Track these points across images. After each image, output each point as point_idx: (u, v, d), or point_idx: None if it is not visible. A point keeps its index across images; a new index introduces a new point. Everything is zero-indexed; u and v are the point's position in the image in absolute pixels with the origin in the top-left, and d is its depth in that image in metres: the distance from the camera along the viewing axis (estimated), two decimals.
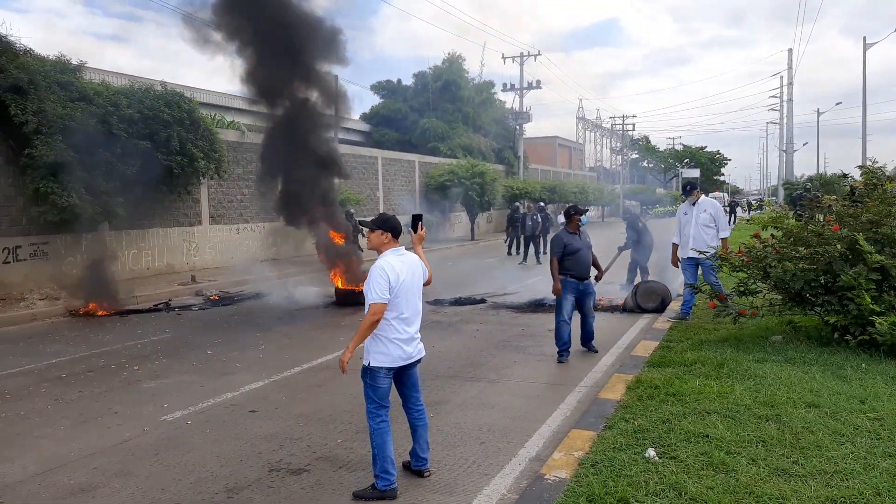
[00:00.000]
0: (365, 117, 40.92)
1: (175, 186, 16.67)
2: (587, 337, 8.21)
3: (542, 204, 23.73)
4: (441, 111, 39.31)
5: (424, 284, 4.67)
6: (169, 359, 8.60)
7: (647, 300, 10.78)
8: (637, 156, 78.56)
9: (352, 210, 19.74)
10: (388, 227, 4.46)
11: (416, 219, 4.86)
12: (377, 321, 4.25)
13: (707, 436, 4.77)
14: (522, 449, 5.12)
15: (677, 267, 10.06)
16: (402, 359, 4.43)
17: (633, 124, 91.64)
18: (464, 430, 5.56)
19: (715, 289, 8.84)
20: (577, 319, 8.08)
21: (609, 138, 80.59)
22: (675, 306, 10.34)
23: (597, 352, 8.14)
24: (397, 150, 33.32)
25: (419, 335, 4.58)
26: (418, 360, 4.62)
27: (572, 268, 7.83)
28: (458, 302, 12.43)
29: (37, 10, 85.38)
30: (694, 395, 5.71)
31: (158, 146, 15.13)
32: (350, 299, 12.53)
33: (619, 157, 75.91)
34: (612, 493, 3.96)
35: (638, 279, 12.56)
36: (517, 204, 30.79)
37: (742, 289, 7.99)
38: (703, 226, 9.56)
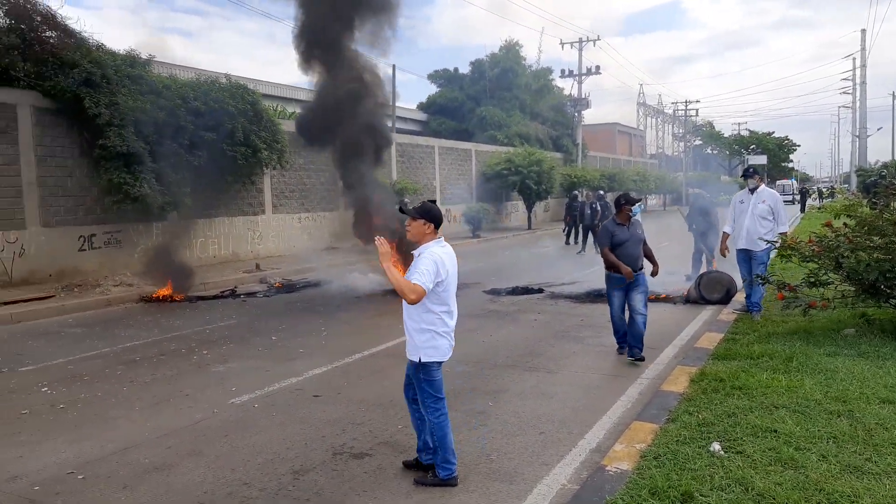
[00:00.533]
0: (422, 106, 41.08)
1: (239, 176, 17.19)
2: (634, 340, 7.28)
3: (601, 192, 23.37)
4: (498, 99, 39.09)
5: None
6: (236, 344, 8.90)
7: (712, 291, 10.52)
8: (700, 142, 76.35)
9: (407, 200, 19.89)
10: (430, 216, 4.29)
11: (402, 209, 4.86)
12: (414, 301, 4.09)
13: (775, 431, 4.65)
14: (583, 440, 5.10)
15: (724, 256, 9.55)
16: (450, 351, 4.41)
17: (696, 110, 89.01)
18: (523, 420, 5.57)
19: (751, 296, 8.68)
20: None
21: (671, 124, 78.61)
22: (740, 297, 10.05)
23: (642, 360, 7.20)
24: (454, 138, 33.35)
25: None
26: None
27: (619, 260, 7.37)
28: (515, 291, 12.41)
29: (108, 5, 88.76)
30: (761, 388, 5.56)
31: (223, 137, 15.59)
32: None
33: (682, 144, 73.96)
34: (676, 486, 3.90)
35: (704, 269, 12.26)
36: (575, 192, 30.43)
37: (812, 280, 7.70)
38: (759, 217, 8.76)
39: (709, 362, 6.59)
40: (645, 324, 7.32)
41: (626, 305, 7.46)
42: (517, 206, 33.95)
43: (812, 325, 7.89)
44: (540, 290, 12.44)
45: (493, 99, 39.08)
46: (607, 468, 4.32)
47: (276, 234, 20.11)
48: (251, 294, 13.35)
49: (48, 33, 13.48)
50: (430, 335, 4.29)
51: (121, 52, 14.79)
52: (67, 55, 13.40)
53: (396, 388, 6.54)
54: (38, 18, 13.42)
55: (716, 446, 4.41)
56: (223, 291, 13.64)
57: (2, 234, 13.09)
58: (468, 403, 6.02)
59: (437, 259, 4.16)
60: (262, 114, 16.89)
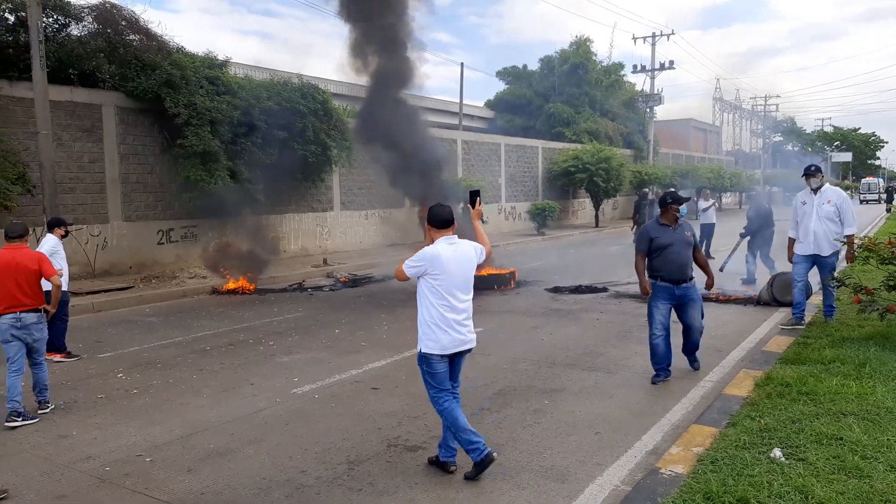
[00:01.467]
0: (489, 104, 40.99)
1: (309, 174, 17.63)
2: (689, 350, 6.76)
3: (672, 190, 22.76)
4: (567, 95, 38.58)
5: (481, 265, 4.69)
6: (301, 336, 9.15)
7: (784, 293, 10.10)
8: (780, 138, 73.23)
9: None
10: (428, 218, 4.58)
11: (474, 195, 4.89)
12: (399, 278, 4.57)
13: (841, 438, 4.45)
14: (639, 441, 5.01)
15: (792, 263, 8.83)
16: (453, 345, 4.46)
17: (777, 105, 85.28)
18: (578, 419, 5.51)
19: (798, 304, 8.23)
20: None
21: (749, 120, 75.72)
22: (815, 300, 9.61)
23: (698, 368, 6.75)
24: (521, 136, 33.17)
25: (470, 323, 4.58)
26: (468, 350, 4.61)
27: (661, 268, 6.44)
28: (578, 290, 12.27)
29: (188, 9, 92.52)
30: (829, 395, 5.32)
31: (294, 136, 16.03)
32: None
33: (760, 140, 71.13)
34: (731, 491, 3.79)
35: (758, 269, 11.80)
36: (646, 190, 29.68)
37: (892, 283, 7.30)
38: (825, 219, 8.15)
39: (776, 366, 6.34)
40: (701, 333, 6.66)
41: (682, 324, 6.60)
42: (584, 204, 33.48)
43: (890, 329, 7.47)
44: (604, 289, 12.25)
45: (562, 96, 38.61)
46: (661, 471, 4.23)
47: (343, 230, 20.54)
48: (318, 288, 13.69)
49: (132, 37, 14.17)
50: (431, 328, 4.44)
51: (199, 53, 15.41)
52: (149, 57, 14.07)
53: None
54: (123, 23, 14.13)
55: (777, 453, 4.25)
56: (291, 285, 14.04)
57: (86, 228, 13.88)
58: (524, 401, 6.01)
59: (429, 254, 4.42)
60: (331, 113, 17.27)
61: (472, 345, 4.61)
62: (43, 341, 6.21)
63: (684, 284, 6.42)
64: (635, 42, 40.74)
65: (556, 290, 12.38)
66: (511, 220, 28.77)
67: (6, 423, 5.73)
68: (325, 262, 16.95)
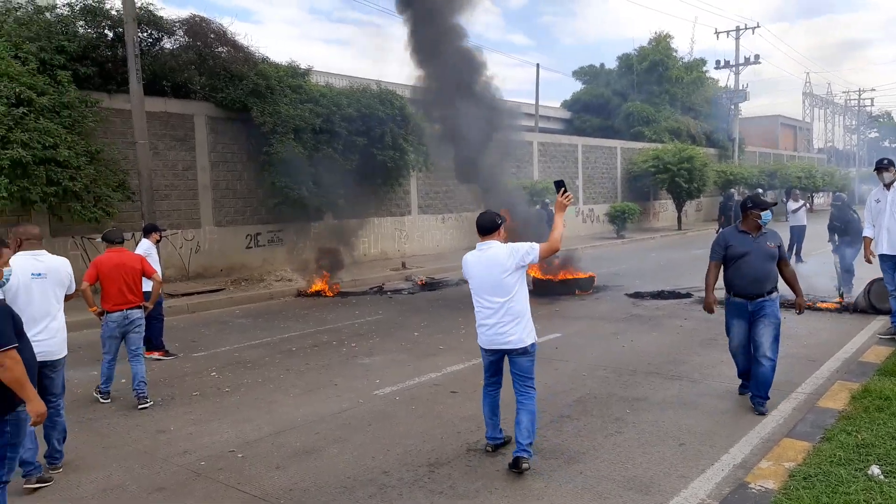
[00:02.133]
0: (566, 104, 40.53)
1: (388, 179, 17.97)
2: (757, 386, 5.76)
3: (759, 190, 21.85)
4: (646, 94, 37.69)
5: (546, 255, 4.72)
6: (381, 338, 9.35)
7: (882, 300, 9.52)
8: (877, 134, 68.99)
9: (547, 200, 19.75)
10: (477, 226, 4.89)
11: (559, 185, 4.92)
12: None
13: None
14: (726, 454, 4.86)
15: (870, 263, 8.34)
16: (488, 342, 4.79)
17: (872, 99, 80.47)
18: (662, 430, 5.40)
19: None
20: None
21: (842, 115, 71.74)
22: None
23: (764, 413, 5.65)
24: (599, 136, 32.65)
25: (502, 325, 4.68)
26: (515, 350, 4.72)
27: (733, 280, 5.83)
28: (660, 295, 11.97)
29: (270, 20, 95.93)
30: None
31: (374, 141, 16.37)
32: (547, 289, 12.63)
33: (855, 137, 67.27)
34: None
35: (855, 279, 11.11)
36: (731, 191, 28.60)
37: None
38: None
39: (874, 378, 6.02)
40: (773, 369, 5.72)
41: (753, 344, 5.84)
42: (666, 206, 32.60)
43: None
44: (688, 295, 11.90)
45: (641, 94, 37.74)
46: (751, 486, 4.10)
47: (421, 233, 20.79)
48: (397, 291, 13.92)
49: (220, 49, 14.84)
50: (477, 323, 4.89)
51: (283, 63, 15.97)
52: (237, 68, 14.70)
53: None
54: (212, 35, 14.82)
55: (875, 470, 4.04)
56: (371, 288, 14.34)
57: (181, 233, 14.63)
58: (605, 409, 5.94)
59: (463, 260, 4.90)
60: (409, 118, 17.54)
61: (510, 346, 4.72)
62: (141, 335, 6.81)
63: (759, 299, 5.72)
64: (718, 37, 39.13)
65: (637, 295, 12.13)
66: (589, 222, 28.35)
67: (102, 400, 6.66)
68: (403, 265, 17.22)
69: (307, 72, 16.35)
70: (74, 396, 6.78)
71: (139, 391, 6.56)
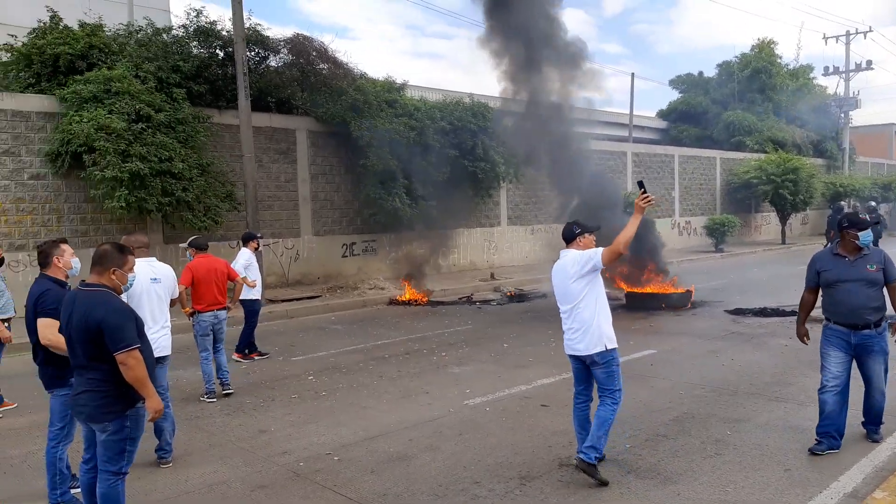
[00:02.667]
0: (662, 114, 39.45)
1: (479, 190, 18.10)
2: (869, 414, 5.39)
3: (872, 203, 20.51)
4: (748, 102, 36.13)
5: (609, 260, 4.62)
6: (471, 348, 9.41)
7: None
8: None
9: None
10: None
11: (640, 185, 4.83)
12: None
13: None
14: (836, 482, 4.59)
15: None
16: (565, 348, 4.92)
17: None
18: (766, 453, 5.16)
19: None
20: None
21: None
22: None
23: (878, 441, 5.31)
24: (697, 146, 31.57)
25: (573, 332, 4.81)
26: (585, 358, 4.79)
27: (830, 308, 5.25)
28: (763, 313, 11.41)
29: (367, 36, 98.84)
30: None
31: (465, 153, 16.56)
32: (640, 303, 12.32)
33: None
34: None
35: None
36: (841, 203, 27.00)
37: None
38: None
39: None
40: (885, 397, 5.28)
41: (863, 377, 5.29)
42: (769, 219, 31.08)
43: None
44: (793, 313, 11.22)
45: (743, 102, 36.22)
46: None
47: (510, 244, 20.77)
48: (486, 302, 13.96)
49: (321, 66, 15.44)
50: None
51: (380, 79, 16.43)
52: (336, 84, 15.25)
53: (624, 405, 6.40)
54: (314, 53, 15.44)
55: None
56: (461, 298, 14.45)
57: (281, 241, 15.27)
58: (704, 430, 5.73)
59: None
60: (500, 130, 17.59)
61: (580, 353, 4.80)
62: (224, 332, 7.46)
63: (864, 330, 5.07)
64: (826, 42, 37.45)
65: (738, 311, 11.63)
66: (685, 235, 27.42)
67: (207, 400, 7.03)
68: (492, 276, 17.26)
69: (403, 86, 16.75)
70: (183, 395, 7.20)
71: (223, 379, 7.22)
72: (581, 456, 4.63)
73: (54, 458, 4.57)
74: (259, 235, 9.77)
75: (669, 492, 4.52)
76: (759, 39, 38.09)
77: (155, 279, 5.40)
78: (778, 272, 18.01)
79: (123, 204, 11.28)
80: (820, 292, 5.43)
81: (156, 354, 5.02)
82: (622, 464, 5.04)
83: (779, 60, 37.76)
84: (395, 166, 14.97)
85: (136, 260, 5.29)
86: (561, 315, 4.92)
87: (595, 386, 4.90)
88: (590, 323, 4.69)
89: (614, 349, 4.77)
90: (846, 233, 5.15)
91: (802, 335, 5.55)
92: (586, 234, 4.88)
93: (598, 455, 4.67)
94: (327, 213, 16.14)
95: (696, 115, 37.19)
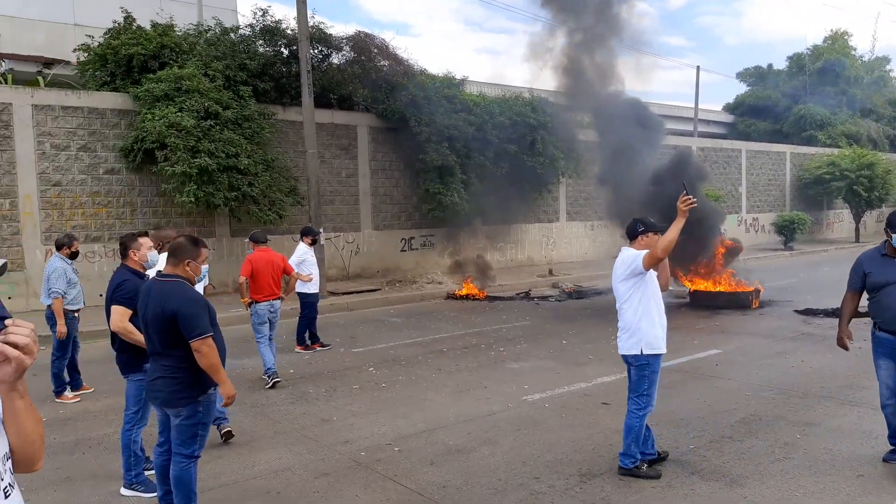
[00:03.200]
0: (728, 107, 38.32)
1: (537, 185, 17.98)
2: None
3: None
4: (820, 95, 34.73)
5: (650, 264, 4.54)
6: (529, 343, 9.38)
7: None
8: None
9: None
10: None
11: (682, 186, 4.73)
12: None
13: None
14: None
15: None
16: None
17: None
18: (837, 458, 4.97)
19: None
20: None
21: None
22: None
23: None
24: (765, 140, 30.53)
25: (620, 330, 4.84)
26: (626, 357, 4.85)
27: (876, 313, 4.88)
28: (835, 313, 10.94)
29: (428, 32, 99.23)
30: None
31: (524, 148, 16.46)
32: (705, 301, 12.02)
33: None
34: None
35: None
36: None
37: None
38: None
39: None
40: None
41: None
42: (841, 216, 29.82)
43: None
44: (867, 314, 10.79)
45: (814, 95, 34.84)
46: None
47: (568, 240, 20.56)
48: (543, 297, 13.87)
49: (382, 62, 15.61)
50: None
51: (439, 74, 16.50)
52: (397, 80, 15.38)
53: (688, 405, 6.33)
54: (375, 50, 15.63)
55: None
56: (518, 293, 14.40)
57: (343, 235, 15.54)
58: (772, 433, 5.56)
59: None
60: (560, 125, 17.43)
61: (620, 352, 4.88)
62: (278, 321, 7.77)
63: None
64: None
65: (808, 312, 11.21)
66: (752, 232, 26.58)
67: (268, 379, 7.33)
68: (550, 272, 17.13)
69: (462, 82, 16.78)
70: (248, 383, 7.43)
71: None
72: (619, 463, 4.76)
73: (129, 440, 4.78)
74: (319, 231, 9.95)
75: (735, 495, 4.41)
76: (831, 31, 36.58)
77: None
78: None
79: (192, 199, 11.70)
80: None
81: None
82: (686, 465, 4.94)
83: (853, 52, 36.16)
84: (453, 161, 15.02)
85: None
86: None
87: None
88: (631, 324, 4.67)
89: (652, 356, 4.68)
90: (891, 234, 4.74)
91: (845, 337, 5.16)
92: (650, 233, 4.69)
93: (634, 461, 4.70)
94: (386, 207, 16.33)
95: (764, 108, 35.98)
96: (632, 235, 4.79)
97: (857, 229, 27.62)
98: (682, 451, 5.19)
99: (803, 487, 4.48)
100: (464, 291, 14.06)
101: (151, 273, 4.96)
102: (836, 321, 10.43)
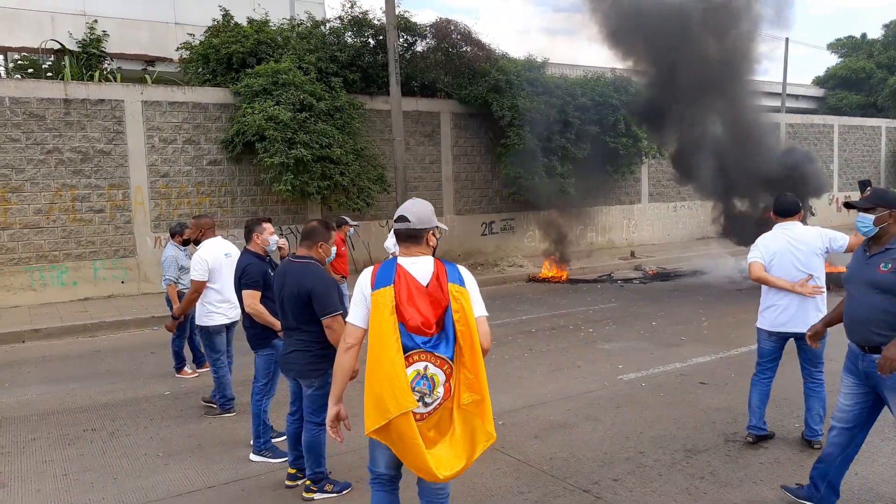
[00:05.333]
0: (818, 81, 36.55)
1: (619, 167, 17.81)
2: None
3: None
4: None
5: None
6: (617, 325, 9.48)
7: None
8: None
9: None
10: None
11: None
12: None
13: None
14: None
15: None
16: (774, 325, 4.97)
17: None
18: None
19: None
20: None
21: None
22: None
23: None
24: (858, 114, 29.03)
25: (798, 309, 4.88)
26: (795, 333, 4.87)
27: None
28: None
29: (506, 15, 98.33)
30: None
31: (606, 129, 16.34)
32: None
33: None
34: None
35: None
36: None
37: None
38: None
39: None
40: None
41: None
42: None
43: None
44: None
45: None
46: None
47: (651, 222, 20.29)
48: (627, 280, 13.86)
49: (465, 49, 15.79)
50: None
51: (520, 58, 16.54)
52: (479, 66, 15.54)
53: (790, 385, 6.31)
54: (457, 36, 15.80)
55: None
56: (601, 276, 14.43)
57: None
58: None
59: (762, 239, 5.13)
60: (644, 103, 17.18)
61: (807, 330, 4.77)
62: (347, 299, 8.08)
63: (874, 355, 3.58)
64: None
65: None
66: (845, 212, 25.41)
67: None
68: (632, 254, 17.01)
69: (543, 64, 16.75)
70: None
71: None
72: (811, 438, 4.94)
73: (259, 409, 5.21)
74: (355, 223, 9.46)
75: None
76: None
77: (228, 254, 6.08)
78: None
79: (289, 188, 12.29)
80: None
81: (232, 319, 6.02)
82: (792, 442, 5.02)
83: None
84: (534, 145, 15.09)
85: (212, 239, 6.17)
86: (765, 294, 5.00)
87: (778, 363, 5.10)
88: (819, 301, 4.84)
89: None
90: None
91: (813, 334, 4.22)
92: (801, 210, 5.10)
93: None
94: (468, 192, 16.58)
95: (858, 81, 34.15)
96: (795, 210, 5.00)
97: None
98: (788, 429, 5.26)
99: None
100: (545, 274, 14.19)
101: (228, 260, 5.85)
102: None
